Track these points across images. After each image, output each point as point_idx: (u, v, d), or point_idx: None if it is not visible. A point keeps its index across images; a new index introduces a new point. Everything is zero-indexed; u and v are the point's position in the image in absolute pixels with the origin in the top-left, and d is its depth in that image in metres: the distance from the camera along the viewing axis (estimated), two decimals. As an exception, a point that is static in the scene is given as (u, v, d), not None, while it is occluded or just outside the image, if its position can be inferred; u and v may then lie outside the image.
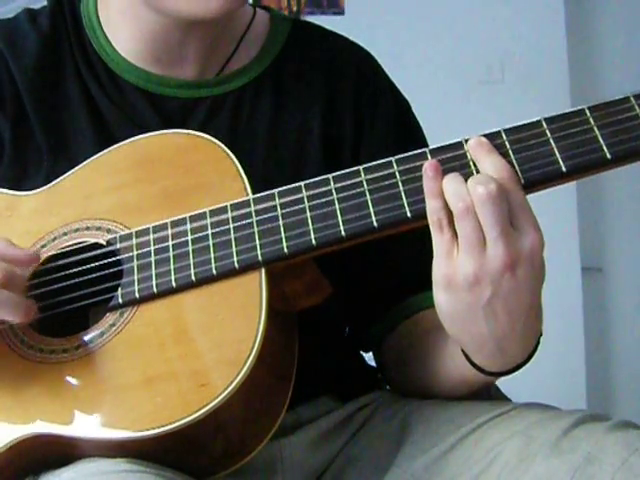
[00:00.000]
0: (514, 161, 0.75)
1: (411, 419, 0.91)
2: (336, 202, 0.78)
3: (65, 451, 0.78)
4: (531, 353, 0.81)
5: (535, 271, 0.74)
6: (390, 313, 0.99)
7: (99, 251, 0.85)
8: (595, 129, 0.74)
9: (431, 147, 0.78)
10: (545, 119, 0.76)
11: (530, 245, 0.73)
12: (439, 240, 0.74)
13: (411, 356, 0.94)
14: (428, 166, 0.75)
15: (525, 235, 0.73)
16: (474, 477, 0.81)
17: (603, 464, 0.73)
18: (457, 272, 0.74)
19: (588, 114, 0.75)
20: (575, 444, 0.76)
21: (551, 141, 0.75)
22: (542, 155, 0.75)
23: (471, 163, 0.76)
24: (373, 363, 1.06)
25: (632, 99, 0.74)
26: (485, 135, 0.77)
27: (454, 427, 0.86)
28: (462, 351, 0.82)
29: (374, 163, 0.79)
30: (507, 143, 0.76)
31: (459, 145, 0.77)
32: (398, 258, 0.97)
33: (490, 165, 0.75)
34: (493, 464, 0.80)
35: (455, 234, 0.74)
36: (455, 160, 0.76)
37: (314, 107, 0.99)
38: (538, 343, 0.82)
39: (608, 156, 0.73)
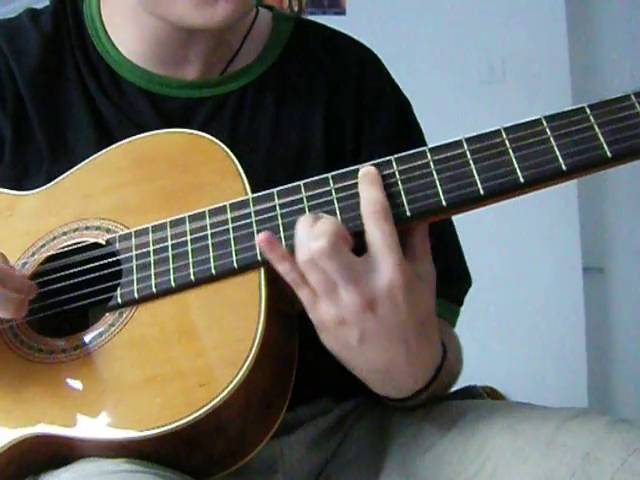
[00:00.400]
0: (514, 158, 0.75)
1: (402, 419, 0.91)
2: (335, 202, 0.78)
3: (65, 451, 0.78)
4: (433, 377, 0.82)
5: (399, 308, 0.74)
6: None
7: (98, 251, 0.84)
8: (595, 127, 0.74)
9: (430, 146, 0.78)
10: (545, 117, 0.75)
11: (386, 281, 0.73)
12: (301, 294, 0.76)
13: None
14: (262, 243, 0.75)
15: (380, 272, 0.73)
16: (470, 477, 0.80)
17: (603, 464, 0.72)
18: (324, 317, 0.75)
19: (588, 112, 0.74)
20: (572, 442, 0.75)
21: (551, 139, 0.74)
22: (542, 153, 0.74)
23: (471, 161, 0.76)
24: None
25: (632, 97, 0.74)
26: (485, 134, 0.77)
27: (444, 425, 0.86)
28: None
29: (373, 162, 0.78)
30: (507, 141, 0.75)
31: (458, 144, 0.77)
32: None
33: (365, 196, 0.76)
34: (487, 463, 0.79)
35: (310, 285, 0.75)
36: (454, 159, 0.76)
37: (316, 106, 0.99)
38: (440, 366, 0.82)
39: (609, 154, 0.73)
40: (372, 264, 0.74)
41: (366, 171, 0.77)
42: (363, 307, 0.73)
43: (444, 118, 2.11)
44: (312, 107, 0.99)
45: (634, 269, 3.11)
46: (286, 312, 0.83)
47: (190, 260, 0.80)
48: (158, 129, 0.91)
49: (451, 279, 1.00)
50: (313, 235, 0.73)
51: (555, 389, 2.83)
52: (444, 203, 0.75)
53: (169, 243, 0.82)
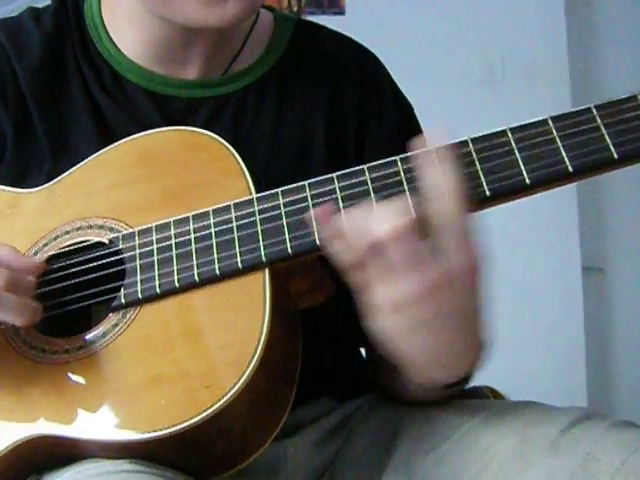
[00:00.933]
0: (519, 159, 0.74)
1: (407, 420, 0.91)
2: (340, 201, 0.78)
3: (68, 452, 0.77)
4: (474, 366, 0.82)
5: (458, 294, 0.72)
6: None
7: (102, 250, 0.84)
8: (602, 128, 0.73)
9: (436, 147, 0.77)
10: (551, 118, 0.75)
11: (449, 269, 0.71)
12: (354, 276, 0.73)
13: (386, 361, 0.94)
14: (319, 217, 0.75)
15: (444, 259, 0.71)
16: (472, 478, 0.80)
17: (602, 464, 0.73)
18: (381, 301, 0.73)
19: (595, 113, 0.74)
20: (574, 444, 0.76)
21: (557, 140, 0.74)
22: (548, 154, 0.74)
23: (476, 161, 0.75)
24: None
25: (639, 97, 0.74)
26: (490, 134, 0.76)
27: (450, 427, 0.86)
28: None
29: (378, 162, 0.78)
30: (512, 141, 0.75)
31: (464, 144, 0.76)
32: None
33: (431, 180, 0.73)
34: (490, 464, 0.80)
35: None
36: (459, 159, 0.75)
37: (318, 108, 0.99)
38: (485, 355, 0.81)
39: (615, 156, 0.73)
40: (437, 248, 0.72)
41: (436, 152, 0.75)
42: (424, 292, 0.71)
43: (444, 118, 2.11)
44: (314, 108, 0.99)
45: (634, 269, 3.10)
46: (290, 311, 0.83)
47: (194, 261, 0.80)
48: (160, 127, 0.91)
49: None
50: (383, 216, 0.71)
51: (554, 389, 2.83)
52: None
53: (173, 243, 0.81)
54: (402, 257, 0.70)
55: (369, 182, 0.78)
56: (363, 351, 1.06)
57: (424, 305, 0.72)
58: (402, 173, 0.77)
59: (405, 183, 0.76)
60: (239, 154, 0.85)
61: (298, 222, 0.78)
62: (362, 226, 0.72)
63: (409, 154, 0.78)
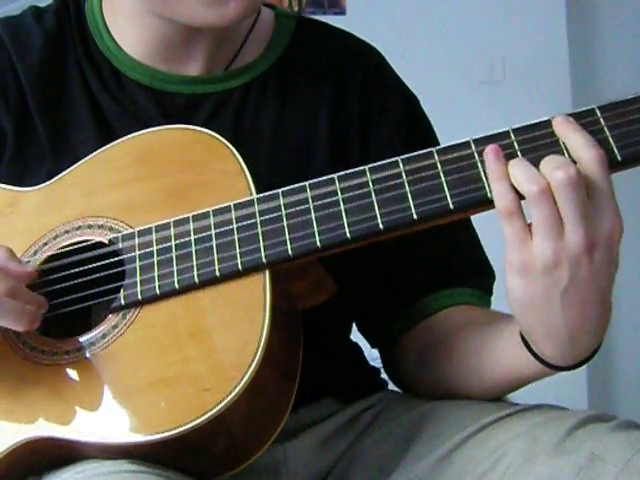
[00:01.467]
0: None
1: (418, 421, 0.90)
2: (341, 203, 0.77)
3: (68, 453, 0.77)
4: (596, 348, 0.79)
5: (612, 257, 0.73)
6: (409, 309, 0.97)
7: (101, 250, 0.84)
8: (606, 130, 0.73)
9: (437, 147, 0.77)
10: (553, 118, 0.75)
11: (609, 230, 0.72)
12: (511, 227, 0.72)
13: (440, 352, 0.92)
14: (490, 150, 0.73)
15: (605, 219, 0.72)
16: (478, 478, 0.80)
17: (607, 464, 0.72)
18: (535, 257, 0.72)
19: (599, 114, 0.74)
20: (579, 444, 0.75)
21: (561, 142, 0.74)
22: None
23: (478, 164, 0.75)
24: (374, 364, 1.05)
25: None
26: (494, 134, 0.76)
27: (460, 428, 0.85)
28: (525, 345, 0.79)
29: (380, 163, 0.78)
30: (515, 143, 0.74)
31: (466, 145, 0.76)
32: (418, 255, 0.96)
33: (580, 143, 0.73)
34: (497, 465, 0.79)
35: (524, 218, 0.72)
36: (463, 160, 0.75)
37: (320, 104, 0.99)
38: (602, 338, 0.79)
39: (619, 158, 0.72)
40: (597, 208, 0.72)
41: (566, 119, 0.74)
42: (584, 249, 0.71)
43: (444, 118, 2.10)
44: (316, 104, 0.99)
45: (634, 269, 3.10)
46: (291, 312, 0.83)
47: (194, 261, 0.79)
48: (160, 125, 0.90)
49: (483, 271, 1.01)
50: (555, 165, 0.71)
51: (555, 389, 2.82)
52: None
53: (173, 243, 0.81)
54: (574, 206, 0.70)
55: (370, 183, 0.77)
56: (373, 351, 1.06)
57: (584, 263, 0.71)
58: (404, 175, 0.77)
59: (407, 185, 0.76)
60: (241, 151, 0.85)
61: (299, 223, 0.78)
62: (533, 171, 0.71)
63: (411, 155, 0.77)
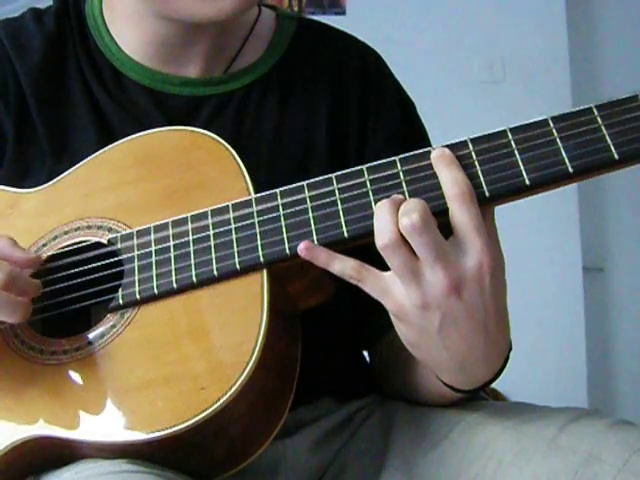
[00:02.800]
0: (519, 160, 0.74)
1: (403, 420, 0.91)
2: (339, 202, 0.77)
3: (67, 452, 0.77)
4: (500, 370, 0.81)
5: (484, 291, 0.72)
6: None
7: (100, 251, 0.84)
8: (603, 128, 0.73)
9: (435, 146, 0.77)
10: (552, 118, 0.74)
11: (474, 266, 0.71)
12: (368, 288, 0.74)
13: (393, 362, 0.94)
14: (302, 249, 0.75)
15: (468, 256, 0.71)
16: (472, 477, 0.80)
17: (604, 464, 0.72)
18: (403, 303, 0.73)
19: (595, 113, 0.73)
20: (574, 442, 0.75)
21: (557, 141, 0.73)
22: (548, 155, 0.73)
23: (476, 163, 0.74)
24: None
25: None
26: (490, 134, 0.76)
27: (447, 425, 0.86)
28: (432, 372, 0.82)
29: (377, 162, 0.78)
30: (513, 142, 0.74)
31: (463, 144, 0.75)
32: None
33: (447, 178, 0.73)
34: (489, 463, 0.79)
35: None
36: (459, 160, 0.75)
37: (320, 106, 0.99)
38: (507, 359, 0.81)
39: (615, 156, 0.72)
40: (460, 246, 0.72)
41: (441, 152, 0.75)
42: (449, 289, 0.71)
43: (444, 118, 2.11)
44: (316, 106, 0.99)
45: (634, 269, 3.10)
46: (289, 312, 0.83)
47: (192, 261, 0.79)
48: (161, 127, 0.90)
49: None
50: (403, 212, 0.71)
51: (555, 389, 2.83)
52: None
53: (171, 243, 0.81)
54: (426, 250, 0.70)
55: (368, 183, 0.77)
56: (365, 353, 1.06)
57: (452, 301, 0.72)
58: (401, 174, 0.77)
59: (404, 184, 0.76)
60: (241, 152, 0.85)
61: (296, 223, 0.78)
62: (382, 224, 0.72)
63: (408, 154, 0.77)
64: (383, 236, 0.72)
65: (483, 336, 0.75)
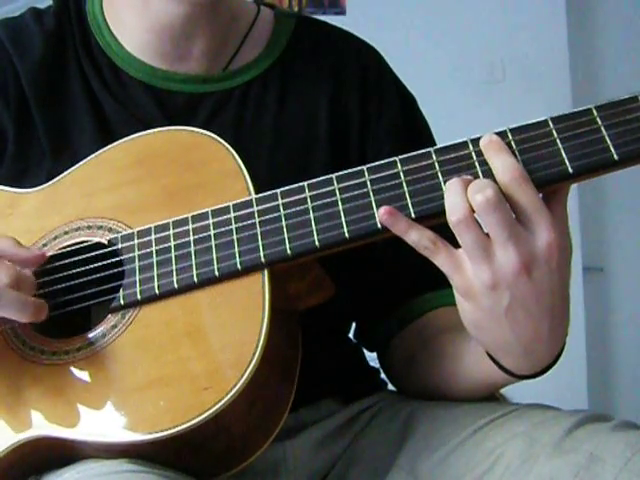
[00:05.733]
0: (519, 162, 0.74)
1: (414, 420, 0.90)
2: (339, 202, 0.77)
3: (68, 452, 0.77)
4: (558, 354, 0.79)
5: (553, 272, 0.72)
6: (399, 311, 0.98)
7: (101, 251, 0.84)
8: (602, 129, 0.73)
9: (435, 147, 0.77)
10: (552, 119, 0.74)
11: (544, 246, 0.71)
12: (439, 261, 0.74)
13: (425, 355, 0.93)
14: (383, 216, 0.74)
15: (537, 236, 0.71)
16: (477, 478, 0.80)
17: (606, 464, 0.72)
18: (473, 282, 0.72)
19: (595, 114, 0.74)
20: (578, 444, 0.75)
21: (557, 142, 0.74)
22: (548, 156, 0.73)
23: (476, 164, 0.75)
24: (374, 364, 1.06)
25: None
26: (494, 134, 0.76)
27: (457, 428, 0.85)
28: (489, 355, 0.80)
29: (378, 163, 0.78)
30: (513, 143, 0.75)
31: (464, 145, 0.76)
32: (410, 255, 0.97)
33: (499, 164, 0.73)
34: (496, 465, 0.79)
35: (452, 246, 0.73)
36: (460, 160, 0.75)
37: (320, 102, 0.99)
38: (564, 344, 0.80)
39: (615, 157, 0.72)
40: (527, 226, 0.71)
41: (489, 139, 0.74)
42: (520, 269, 0.71)
43: (444, 118, 2.11)
44: (316, 103, 1.00)
45: (634, 269, 3.10)
46: (290, 311, 0.83)
47: (193, 261, 0.79)
48: (161, 125, 0.90)
49: None
50: (476, 189, 0.71)
51: (555, 389, 2.82)
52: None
53: (172, 244, 0.81)
54: (499, 227, 0.70)
55: (368, 183, 0.77)
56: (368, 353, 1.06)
57: (522, 282, 0.71)
58: (401, 175, 0.77)
59: (405, 185, 0.76)
60: (241, 150, 0.85)
61: (297, 223, 0.78)
62: (456, 200, 0.72)
63: (409, 155, 0.77)
64: (456, 211, 0.71)
65: (549, 319, 0.74)
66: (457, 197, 0.72)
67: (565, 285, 0.74)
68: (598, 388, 3.07)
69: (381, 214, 0.74)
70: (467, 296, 0.74)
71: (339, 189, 0.78)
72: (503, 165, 0.73)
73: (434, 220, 0.75)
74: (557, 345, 0.78)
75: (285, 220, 0.78)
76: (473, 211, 0.71)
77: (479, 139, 0.76)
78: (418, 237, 0.74)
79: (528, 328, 0.74)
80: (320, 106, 0.99)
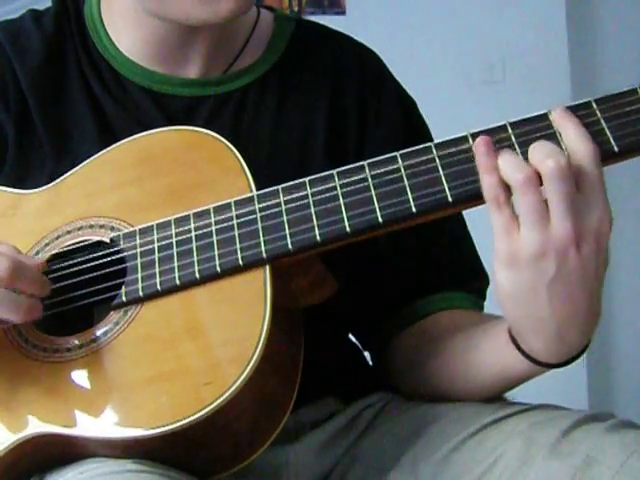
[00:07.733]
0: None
1: (417, 420, 0.90)
2: (340, 198, 0.78)
3: (70, 450, 0.77)
4: (586, 345, 0.78)
5: (600, 250, 0.72)
6: (402, 312, 0.98)
7: (103, 249, 0.84)
8: (602, 122, 0.73)
9: (435, 142, 0.77)
10: (551, 112, 0.75)
11: (598, 223, 0.71)
12: (498, 218, 0.72)
13: (426, 356, 0.92)
14: (479, 141, 0.73)
15: (594, 213, 0.71)
16: (476, 478, 0.80)
17: (602, 466, 0.73)
18: (521, 248, 0.71)
19: (595, 106, 0.74)
20: (574, 446, 0.76)
21: (557, 135, 0.74)
22: None
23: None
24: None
25: (639, 91, 0.74)
26: (492, 129, 0.76)
27: (460, 428, 0.85)
28: (513, 342, 0.79)
29: (379, 158, 0.78)
30: (513, 137, 0.75)
31: (464, 139, 0.77)
32: (414, 259, 0.97)
33: (574, 135, 0.72)
34: (495, 467, 0.80)
35: (513, 209, 0.72)
36: (460, 154, 0.76)
37: (318, 106, 0.99)
38: (590, 340, 0.79)
39: (615, 149, 0.73)
40: (586, 200, 0.71)
41: (563, 110, 0.74)
42: (571, 241, 0.70)
43: (444, 118, 2.10)
44: (314, 107, 1.00)
45: (634, 269, 3.10)
46: (292, 308, 0.83)
47: (195, 258, 0.80)
48: (161, 126, 0.91)
49: (477, 275, 1.01)
50: (547, 154, 0.70)
51: (555, 389, 2.82)
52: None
53: (174, 241, 0.81)
54: (562, 197, 0.69)
55: (369, 179, 0.78)
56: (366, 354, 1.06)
57: (571, 254, 0.71)
58: (402, 170, 0.77)
59: (406, 179, 0.77)
60: (240, 152, 0.85)
61: (299, 219, 0.78)
62: (519, 160, 0.71)
63: (409, 150, 0.78)
64: (522, 170, 0.70)
65: (588, 301, 0.73)
66: (518, 159, 0.71)
67: (604, 269, 0.73)
68: (598, 388, 3.06)
69: (478, 140, 0.73)
70: (510, 263, 0.72)
71: (340, 185, 0.78)
72: (580, 136, 0.72)
73: (435, 214, 0.76)
74: (589, 333, 0.77)
75: (286, 215, 0.79)
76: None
77: (479, 133, 0.76)
78: (496, 182, 0.72)
79: (566, 306, 0.73)
80: (318, 110, 0.99)
